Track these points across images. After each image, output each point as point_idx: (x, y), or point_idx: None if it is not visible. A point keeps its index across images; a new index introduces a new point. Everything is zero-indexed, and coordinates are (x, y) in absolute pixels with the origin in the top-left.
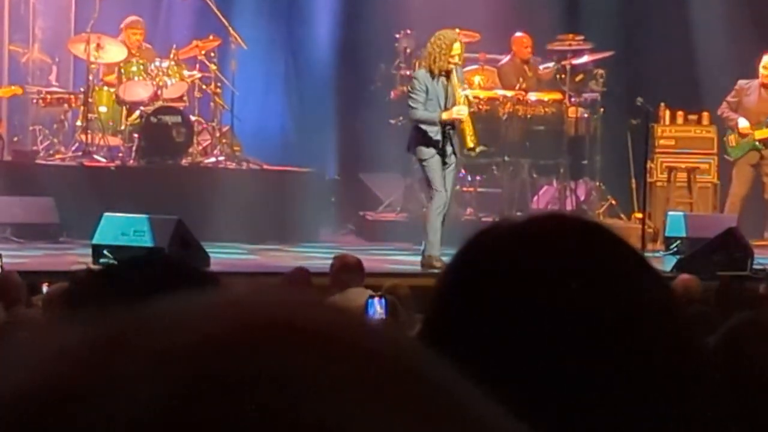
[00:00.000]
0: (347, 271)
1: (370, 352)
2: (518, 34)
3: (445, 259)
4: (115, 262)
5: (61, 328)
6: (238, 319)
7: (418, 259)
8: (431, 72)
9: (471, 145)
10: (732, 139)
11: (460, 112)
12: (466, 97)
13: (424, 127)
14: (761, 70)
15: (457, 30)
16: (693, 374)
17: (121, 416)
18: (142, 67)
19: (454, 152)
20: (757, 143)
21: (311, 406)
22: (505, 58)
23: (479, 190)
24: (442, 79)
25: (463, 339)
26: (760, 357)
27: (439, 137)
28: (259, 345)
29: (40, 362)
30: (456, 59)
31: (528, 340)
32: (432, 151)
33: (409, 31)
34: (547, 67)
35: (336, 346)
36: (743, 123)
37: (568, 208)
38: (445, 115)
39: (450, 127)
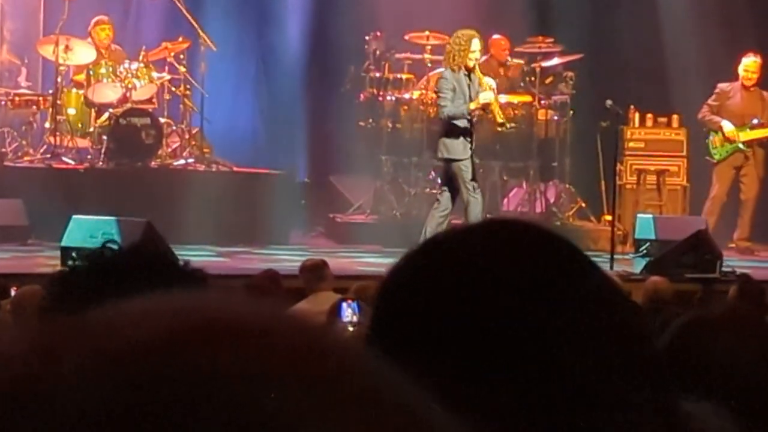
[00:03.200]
0: (316, 274)
1: (309, 353)
2: (496, 36)
3: None
4: (84, 263)
5: (4, 335)
6: (176, 321)
7: (388, 261)
8: (453, 70)
9: (501, 120)
10: (716, 140)
11: (485, 97)
12: (489, 85)
13: (454, 124)
14: (743, 72)
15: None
16: (643, 373)
17: (62, 419)
18: (111, 69)
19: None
20: (741, 145)
21: (247, 403)
22: (482, 58)
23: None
24: (465, 76)
25: (407, 337)
26: (708, 354)
27: (467, 134)
28: (196, 346)
29: None
30: (476, 54)
31: (470, 341)
32: (464, 149)
33: (378, 33)
34: (513, 63)
35: (272, 346)
36: (728, 126)
37: (538, 210)
38: (472, 105)
39: (471, 124)
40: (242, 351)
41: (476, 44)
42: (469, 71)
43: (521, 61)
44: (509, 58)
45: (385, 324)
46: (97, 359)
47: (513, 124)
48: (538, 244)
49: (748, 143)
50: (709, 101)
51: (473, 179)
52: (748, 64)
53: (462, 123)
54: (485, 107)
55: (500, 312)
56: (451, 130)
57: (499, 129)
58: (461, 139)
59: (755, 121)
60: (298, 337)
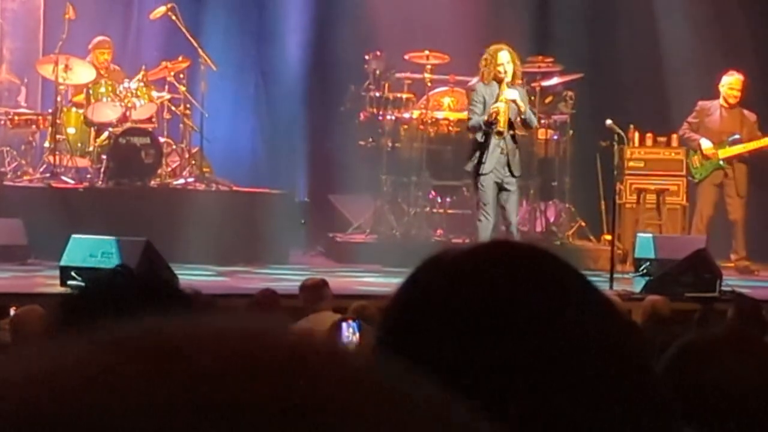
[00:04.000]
0: (316, 293)
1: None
2: None
3: None
4: (86, 284)
5: (68, 345)
6: (250, 347)
7: (388, 281)
8: (485, 83)
9: (500, 129)
10: (696, 160)
11: (495, 106)
12: (505, 97)
13: (475, 138)
14: (724, 90)
15: (426, 50)
16: (643, 396)
17: None
18: (110, 88)
19: (511, 172)
20: (721, 162)
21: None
22: (475, 79)
23: (449, 211)
24: (496, 90)
25: (411, 356)
26: (709, 376)
27: (482, 149)
28: (278, 372)
29: (47, 377)
30: (504, 67)
31: (469, 360)
32: (476, 165)
33: (378, 53)
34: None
35: (337, 372)
36: (706, 144)
37: (538, 229)
38: (486, 116)
39: (502, 140)
40: (322, 378)
41: (503, 56)
42: (500, 83)
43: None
44: None
45: (389, 344)
46: (168, 385)
47: (511, 133)
48: (537, 265)
49: (728, 160)
50: (689, 119)
51: (487, 200)
52: (732, 82)
53: (479, 137)
54: (495, 115)
55: (498, 332)
56: (472, 144)
57: (496, 137)
58: (476, 154)
59: (735, 137)
60: (357, 365)
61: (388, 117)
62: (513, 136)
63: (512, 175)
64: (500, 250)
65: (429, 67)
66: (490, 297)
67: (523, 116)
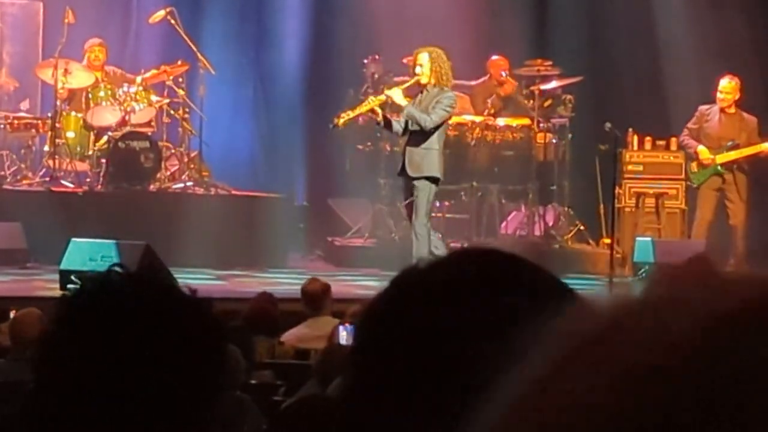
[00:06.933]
0: (318, 303)
1: None
2: (495, 57)
3: None
4: (81, 285)
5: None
6: None
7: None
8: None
9: (378, 120)
10: (694, 165)
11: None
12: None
13: None
14: (719, 95)
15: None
16: None
17: None
18: (109, 92)
19: (405, 172)
20: (719, 167)
21: None
22: (481, 79)
23: (447, 215)
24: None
25: (384, 365)
26: None
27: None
28: None
29: None
30: (417, 69)
31: (436, 371)
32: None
33: (377, 57)
34: (507, 79)
35: None
36: (703, 152)
37: (537, 233)
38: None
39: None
40: None
41: (420, 58)
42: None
43: (514, 81)
44: (503, 73)
45: (365, 352)
46: None
47: (335, 126)
48: (501, 271)
49: (726, 165)
50: (689, 124)
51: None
52: (723, 85)
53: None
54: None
55: (462, 341)
56: None
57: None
58: None
59: (730, 143)
60: None
61: None
62: (409, 134)
63: (407, 175)
64: (463, 258)
65: None
66: (450, 306)
67: (405, 117)
